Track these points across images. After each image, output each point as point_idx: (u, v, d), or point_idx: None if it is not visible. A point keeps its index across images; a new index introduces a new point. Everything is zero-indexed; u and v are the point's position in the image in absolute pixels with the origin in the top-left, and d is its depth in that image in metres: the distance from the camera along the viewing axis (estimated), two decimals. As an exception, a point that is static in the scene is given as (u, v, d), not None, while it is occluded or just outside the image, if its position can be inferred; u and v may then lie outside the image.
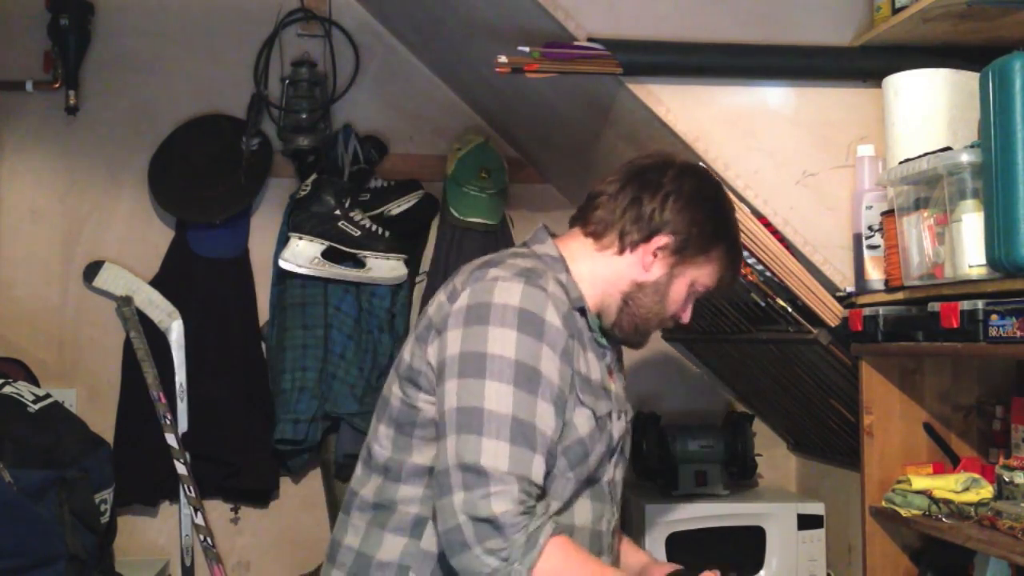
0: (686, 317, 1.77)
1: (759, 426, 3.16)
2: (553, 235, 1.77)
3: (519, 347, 1.51)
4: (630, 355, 3.26)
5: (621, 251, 1.71)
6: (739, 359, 3.01)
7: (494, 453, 1.46)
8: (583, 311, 1.68)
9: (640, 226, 1.69)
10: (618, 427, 1.71)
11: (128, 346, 3.00)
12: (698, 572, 1.59)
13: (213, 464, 3.01)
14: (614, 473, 1.73)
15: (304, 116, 3.05)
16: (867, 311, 2.20)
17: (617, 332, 1.75)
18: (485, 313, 1.53)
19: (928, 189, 2.00)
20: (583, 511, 1.65)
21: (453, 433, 1.49)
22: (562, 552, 1.48)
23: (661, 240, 1.69)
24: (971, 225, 1.87)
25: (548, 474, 1.55)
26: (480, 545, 1.44)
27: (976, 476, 2.15)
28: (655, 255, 1.70)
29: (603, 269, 1.71)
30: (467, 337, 1.53)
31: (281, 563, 3.13)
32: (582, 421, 1.60)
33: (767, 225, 2.31)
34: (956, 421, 2.36)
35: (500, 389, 1.49)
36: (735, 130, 2.32)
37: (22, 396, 2.60)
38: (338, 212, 2.98)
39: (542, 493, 1.53)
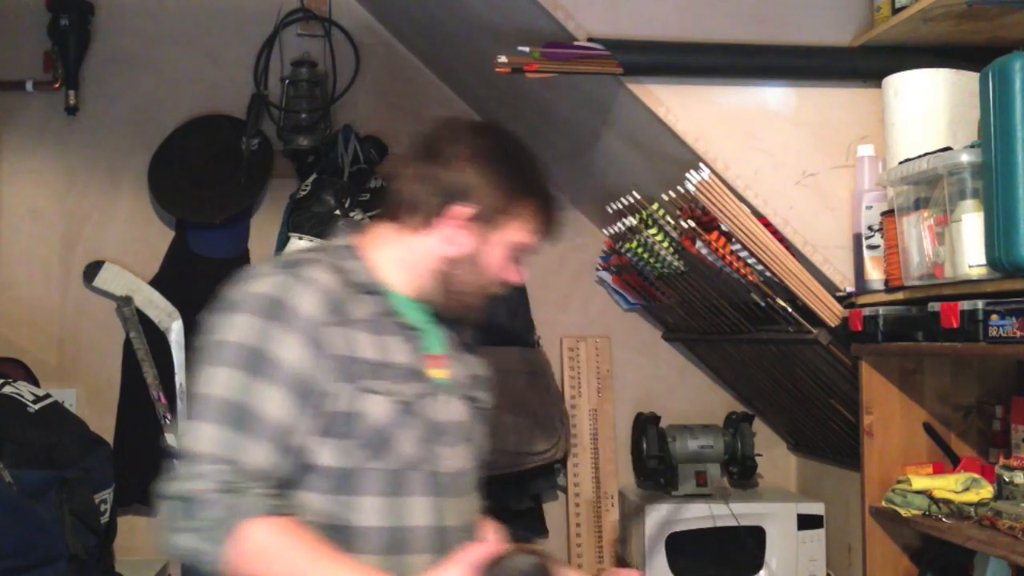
0: (516, 277, 1.67)
1: (759, 426, 3.16)
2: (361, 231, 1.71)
3: (250, 331, 1.48)
4: (631, 356, 3.30)
5: (424, 229, 1.62)
6: (739, 359, 3.01)
7: (202, 436, 1.45)
8: (381, 294, 1.60)
9: (438, 199, 1.60)
10: (446, 411, 1.61)
11: (128, 346, 3.00)
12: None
13: (213, 464, 3.00)
14: (457, 463, 1.62)
15: (304, 116, 3.05)
16: (867, 311, 2.20)
17: (447, 312, 1.67)
18: (231, 304, 1.53)
19: (928, 189, 2.00)
20: (418, 509, 1.56)
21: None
22: (266, 534, 1.40)
23: (462, 210, 1.59)
24: (971, 225, 1.87)
25: (307, 459, 1.50)
26: (176, 525, 1.41)
27: (976, 476, 2.15)
28: (459, 226, 1.60)
29: (407, 252, 1.63)
30: (211, 329, 1.53)
31: (281, 563, 3.13)
32: (372, 407, 1.52)
33: (767, 225, 2.31)
34: (956, 421, 2.36)
35: (221, 373, 1.47)
36: (735, 130, 2.32)
37: (22, 396, 2.60)
38: (338, 212, 2.98)
39: (267, 477, 1.45)
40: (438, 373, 1.63)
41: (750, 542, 2.90)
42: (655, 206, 2.59)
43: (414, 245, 1.63)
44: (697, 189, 2.28)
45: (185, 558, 1.44)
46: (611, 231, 2.89)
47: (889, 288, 2.17)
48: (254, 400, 1.46)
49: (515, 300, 3.10)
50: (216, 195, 3.06)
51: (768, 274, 2.36)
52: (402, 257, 1.64)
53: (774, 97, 2.34)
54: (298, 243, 2.97)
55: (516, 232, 1.62)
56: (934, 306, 1.97)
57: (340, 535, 1.49)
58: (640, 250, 2.76)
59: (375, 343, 1.55)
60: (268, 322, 1.49)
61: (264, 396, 1.46)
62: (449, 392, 1.63)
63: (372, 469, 1.52)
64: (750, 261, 2.37)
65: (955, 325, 1.90)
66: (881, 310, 2.16)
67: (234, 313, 1.51)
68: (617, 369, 3.28)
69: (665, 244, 2.64)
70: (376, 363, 1.54)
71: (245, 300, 1.52)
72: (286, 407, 1.47)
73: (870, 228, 2.22)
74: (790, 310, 2.43)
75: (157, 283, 3.05)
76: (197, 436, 1.46)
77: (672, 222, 2.54)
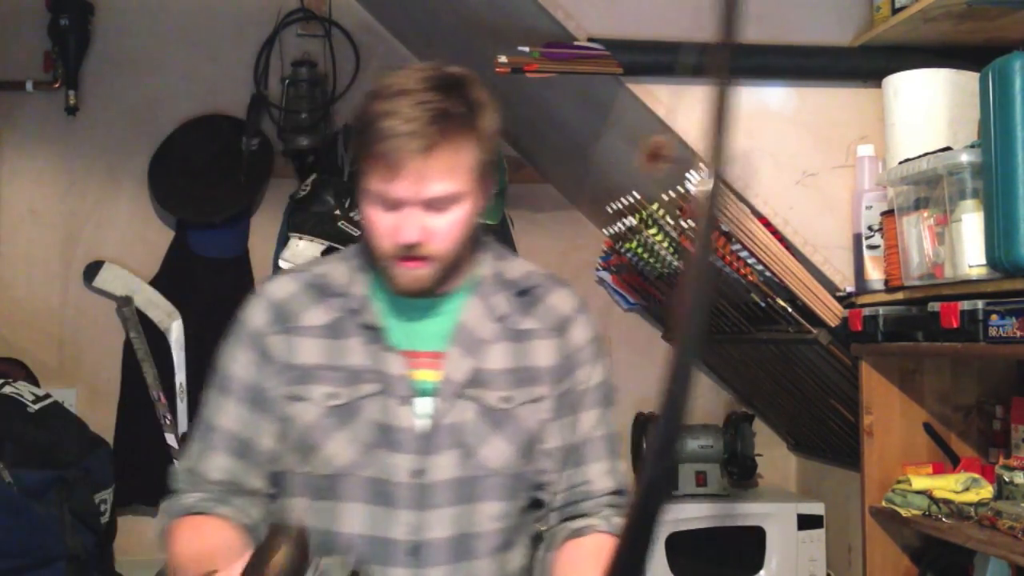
0: (399, 235, 1.44)
1: (759, 426, 3.16)
2: None
3: (221, 353, 1.56)
4: (631, 356, 3.30)
5: None
6: (739, 359, 3.01)
7: (187, 453, 1.55)
8: (351, 295, 1.53)
9: None
10: (405, 414, 1.46)
11: (128, 346, 3.00)
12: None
13: (213, 464, 3.01)
14: (430, 471, 1.46)
15: (304, 116, 3.05)
16: (867, 311, 2.20)
17: (397, 291, 1.51)
18: None
19: (928, 189, 2.00)
20: (351, 515, 1.46)
21: None
22: (173, 536, 1.47)
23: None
24: (971, 225, 1.87)
25: (271, 466, 1.50)
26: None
27: (976, 476, 2.15)
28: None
29: None
30: None
31: (281, 563, 3.13)
32: (298, 412, 1.48)
33: (767, 225, 2.31)
34: (956, 421, 2.36)
35: (206, 395, 1.56)
36: (735, 130, 2.31)
37: (22, 396, 2.60)
38: (338, 212, 2.98)
39: (225, 483, 1.49)
40: (422, 375, 1.49)
41: (750, 542, 2.90)
42: (655, 206, 2.59)
43: None
44: (697, 189, 2.28)
45: None
46: (611, 231, 2.89)
47: (889, 288, 2.17)
48: (216, 416, 1.53)
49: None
50: (216, 195, 3.06)
51: (768, 274, 2.36)
52: None
53: (774, 97, 2.34)
54: (298, 243, 2.97)
55: (364, 178, 1.46)
56: (934, 306, 1.97)
57: (252, 528, 1.51)
58: (640, 250, 2.76)
59: (325, 347, 1.50)
60: (231, 343, 1.55)
61: (223, 410, 1.52)
62: (437, 394, 1.48)
63: (300, 473, 1.48)
64: (750, 261, 2.37)
65: (955, 325, 1.90)
66: (881, 310, 2.16)
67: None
68: (617, 369, 3.27)
69: (665, 244, 2.64)
70: (312, 367, 1.49)
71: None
72: (237, 417, 1.51)
73: (870, 228, 2.22)
74: (790, 310, 2.43)
75: (157, 283, 3.06)
76: (184, 454, 1.56)
77: (672, 222, 2.54)
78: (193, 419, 3.00)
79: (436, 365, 1.50)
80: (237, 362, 1.53)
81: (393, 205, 1.43)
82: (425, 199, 1.43)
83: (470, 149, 1.46)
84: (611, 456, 1.57)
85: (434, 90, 1.45)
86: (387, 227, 1.44)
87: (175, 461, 2.90)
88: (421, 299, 1.52)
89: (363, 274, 1.54)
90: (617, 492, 1.55)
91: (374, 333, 1.50)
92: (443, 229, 1.45)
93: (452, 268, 1.50)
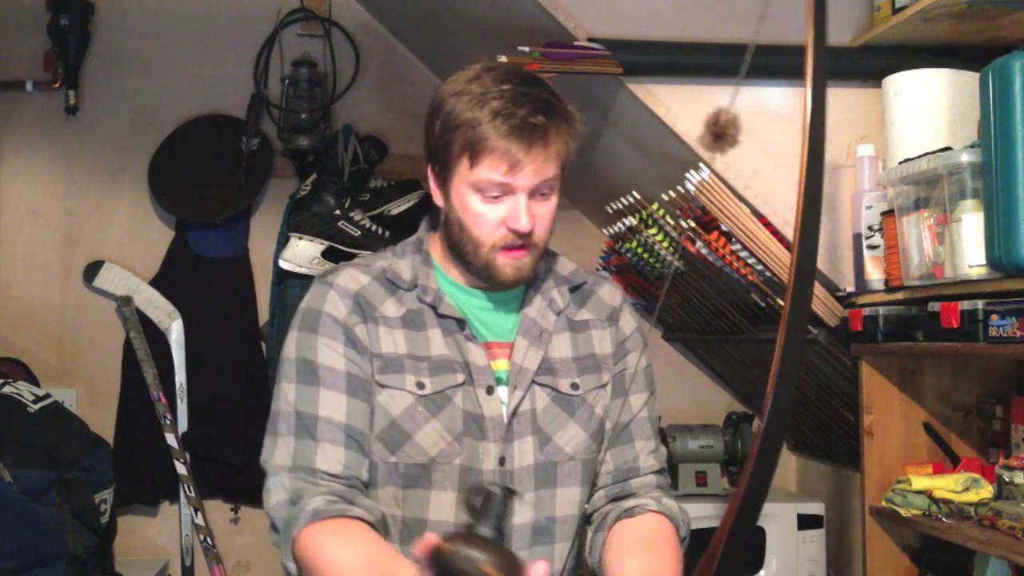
0: (516, 223, 1.47)
1: (759, 426, 3.16)
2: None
3: (298, 345, 1.54)
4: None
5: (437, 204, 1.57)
6: (739, 359, 3.01)
7: (277, 449, 1.49)
8: (422, 287, 1.56)
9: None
10: (492, 403, 1.51)
11: (128, 346, 3.00)
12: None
13: (213, 464, 3.01)
14: (513, 456, 1.51)
15: (304, 116, 3.05)
16: (867, 311, 2.20)
17: (491, 284, 1.56)
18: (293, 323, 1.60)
19: (928, 189, 2.00)
20: (442, 503, 1.49)
21: None
22: (311, 543, 1.39)
23: (428, 171, 1.55)
24: (971, 225, 1.87)
25: (367, 456, 1.50)
26: (271, 540, 1.48)
27: (976, 476, 2.15)
28: (433, 185, 1.55)
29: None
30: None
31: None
32: (387, 401, 1.50)
33: (767, 225, 2.31)
34: (956, 421, 2.36)
35: (286, 388, 1.53)
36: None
37: (22, 396, 2.60)
38: (338, 212, 2.98)
39: (341, 477, 1.47)
40: (497, 364, 1.55)
41: (750, 542, 2.90)
42: (655, 206, 2.59)
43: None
44: (697, 189, 2.28)
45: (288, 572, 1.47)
46: (611, 231, 2.89)
47: (889, 288, 2.17)
48: (318, 408, 1.49)
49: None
50: (216, 195, 3.06)
51: (768, 274, 2.36)
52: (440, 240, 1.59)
53: (774, 97, 2.34)
54: (298, 243, 2.97)
55: (464, 171, 1.48)
56: (934, 306, 1.97)
57: (379, 525, 1.48)
58: (640, 250, 2.76)
59: (405, 337, 1.53)
60: (309, 334, 1.53)
61: (324, 402, 1.49)
62: (511, 382, 1.53)
63: (388, 463, 1.51)
64: (750, 261, 2.37)
65: (955, 325, 1.90)
66: (881, 310, 2.16)
67: (290, 331, 1.58)
68: (617, 369, 3.28)
69: (665, 244, 2.64)
70: (398, 357, 1.52)
71: (296, 317, 1.58)
72: (344, 406, 1.49)
73: (870, 228, 2.22)
74: (790, 310, 2.42)
75: (157, 283, 3.06)
76: (275, 450, 1.50)
77: (672, 222, 2.54)
78: (193, 419, 3.01)
79: (508, 355, 1.56)
80: (328, 351, 1.51)
81: (503, 195, 1.48)
82: (537, 185, 1.49)
83: (568, 135, 1.55)
84: (655, 437, 1.65)
85: (525, 84, 1.51)
86: (496, 217, 1.48)
87: (175, 462, 2.91)
88: (490, 292, 1.57)
89: (428, 269, 1.58)
90: (660, 471, 1.64)
91: (455, 325, 1.55)
92: (546, 214, 1.52)
93: (541, 257, 1.56)
